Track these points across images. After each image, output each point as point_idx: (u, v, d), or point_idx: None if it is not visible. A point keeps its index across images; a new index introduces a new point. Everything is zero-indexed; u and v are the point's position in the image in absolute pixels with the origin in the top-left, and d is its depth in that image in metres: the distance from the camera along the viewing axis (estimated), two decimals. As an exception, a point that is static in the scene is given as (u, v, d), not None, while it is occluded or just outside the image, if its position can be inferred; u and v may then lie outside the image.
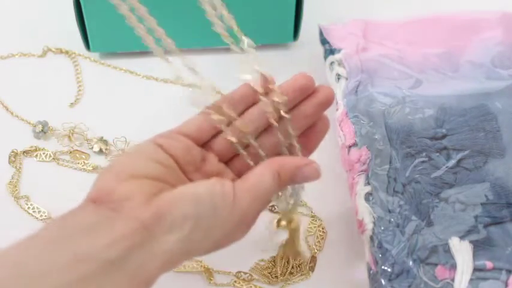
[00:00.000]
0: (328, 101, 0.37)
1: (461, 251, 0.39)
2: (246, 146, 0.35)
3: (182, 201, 0.30)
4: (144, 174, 0.31)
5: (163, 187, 0.31)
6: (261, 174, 0.33)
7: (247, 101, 0.36)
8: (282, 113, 0.34)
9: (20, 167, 0.51)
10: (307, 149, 0.37)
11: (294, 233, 0.39)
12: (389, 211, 0.42)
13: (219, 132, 0.35)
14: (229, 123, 0.35)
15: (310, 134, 0.37)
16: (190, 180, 0.33)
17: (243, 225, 0.33)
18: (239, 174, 0.35)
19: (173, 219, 0.29)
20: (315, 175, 0.34)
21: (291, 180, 0.34)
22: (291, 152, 0.36)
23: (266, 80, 0.35)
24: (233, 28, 0.35)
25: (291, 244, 0.39)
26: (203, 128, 0.35)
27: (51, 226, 0.29)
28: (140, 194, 0.30)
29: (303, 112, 0.36)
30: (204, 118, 0.35)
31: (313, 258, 0.45)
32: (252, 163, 0.35)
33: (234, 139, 0.34)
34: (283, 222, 0.37)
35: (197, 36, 0.60)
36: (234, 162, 0.36)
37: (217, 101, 0.35)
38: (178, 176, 0.33)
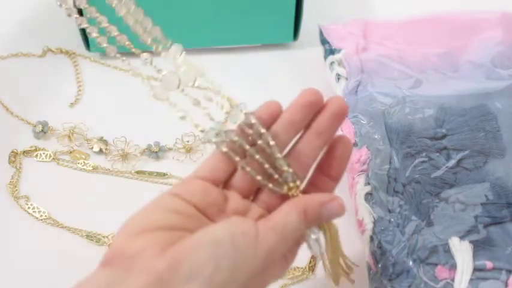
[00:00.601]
0: (341, 112, 0.34)
1: (461, 251, 0.39)
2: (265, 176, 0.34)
3: (199, 246, 0.29)
4: (159, 225, 0.30)
5: (182, 235, 0.30)
6: (286, 213, 0.31)
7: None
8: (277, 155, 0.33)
9: (20, 167, 0.51)
10: (332, 178, 0.36)
11: (332, 240, 0.36)
12: (390, 211, 0.42)
13: (236, 169, 0.34)
14: (244, 156, 0.34)
15: (332, 160, 0.35)
16: (216, 223, 0.32)
17: (275, 263, 0.32)
18: (268, 208, 0.34)
19: (191, 265, 0.28)
20: (340, 211, 0.33)
21: (317, 218, 0.33)
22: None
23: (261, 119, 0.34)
24: (157, 36, 0.35)
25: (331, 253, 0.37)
26: (218, 168, 0.33)
27: None
28: (153, 246, 0.29)
29: (316, 129, 0.34)
30: (217, 158, 0.34)
31: (313, 258, 0.45)
32: (277, 189, 0.34)
33: (249, 169, 0.33)
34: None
35: (197, 36, 0.60)
36: (259, 196, 0.35)
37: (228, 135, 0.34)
38: (200, 222, 0.32)
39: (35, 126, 0.53)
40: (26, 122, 0.55)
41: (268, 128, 0.34)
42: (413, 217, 0.41)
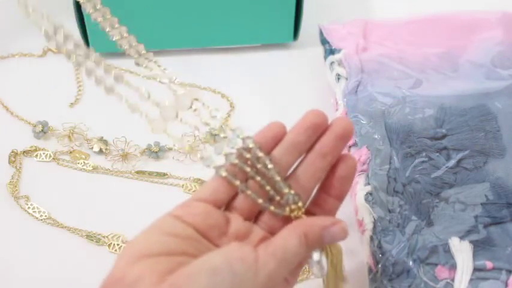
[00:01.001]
0: (346, 134, 0.33)
1: (461, 251, 0.39)
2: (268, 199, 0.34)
3: (197, 274, 0.28)
4: (159, 251, 0.30)
5: (183, 260, 0.29)
6: (287, 237, 0.31)
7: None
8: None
9: (20, 167, 0.51)
10: (336, 198, 0.35)
11: (333, 263, 0.35)
12: (390, 211, 0.42)
13: (238, 191, 0.34)
14: (246, 179, 0.34)
15: (334, 181, 0.34)
16: (217, 245, 0.32)
17: (276, 287, 0.32)
18: (270, 230, 0.34)
19: None
20: (343, 235, 0.32)
21: (318, 241, 0.32)
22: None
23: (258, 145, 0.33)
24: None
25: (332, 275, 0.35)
26: (219, 190, 0.33)
27: None
28: (152, 274, 0.28)
29: (319, 151, 0.33)
30: (218, 180, 0.33)
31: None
32: (278, 211, 0.33)
33: (250, 192, 0.33)
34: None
35: (197, 36, 0.60)
36: (261, 218, 0.34)
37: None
38: (200, 245, 0.31)
39: (35, 126, 0.53)
40: (26, 122, 0.55)
41: (270, 150, 0.34)
42: (413, 217, 0.41)
